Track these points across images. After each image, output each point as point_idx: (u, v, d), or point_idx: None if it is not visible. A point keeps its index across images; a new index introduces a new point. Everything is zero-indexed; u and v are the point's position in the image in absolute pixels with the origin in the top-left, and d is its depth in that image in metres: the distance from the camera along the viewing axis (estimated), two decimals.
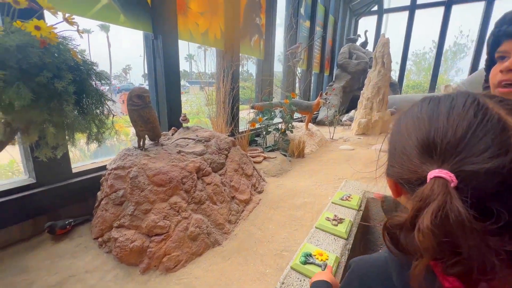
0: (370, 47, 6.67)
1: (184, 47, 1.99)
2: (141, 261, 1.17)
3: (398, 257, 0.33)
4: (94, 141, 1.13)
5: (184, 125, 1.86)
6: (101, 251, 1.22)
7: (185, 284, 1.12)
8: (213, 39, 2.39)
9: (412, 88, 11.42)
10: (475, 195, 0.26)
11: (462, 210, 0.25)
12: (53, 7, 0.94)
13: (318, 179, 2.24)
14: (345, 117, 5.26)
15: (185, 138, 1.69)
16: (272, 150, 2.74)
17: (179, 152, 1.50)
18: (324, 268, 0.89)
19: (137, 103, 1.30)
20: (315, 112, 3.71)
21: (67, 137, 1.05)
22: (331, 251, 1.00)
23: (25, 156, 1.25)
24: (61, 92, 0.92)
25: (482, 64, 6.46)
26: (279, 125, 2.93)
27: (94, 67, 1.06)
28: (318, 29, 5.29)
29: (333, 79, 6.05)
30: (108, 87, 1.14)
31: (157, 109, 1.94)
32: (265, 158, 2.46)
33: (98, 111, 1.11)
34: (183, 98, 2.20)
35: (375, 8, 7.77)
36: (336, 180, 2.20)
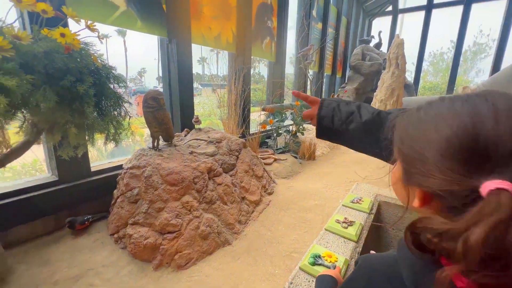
0: (384, 48, 6.54)
1: (197, 50, 2.04)
2: (154, 258, 1.21)
3: (416, 257, 0.32)
4: (112, 141, 1.19)
5: (197, 126, 1.90)
6: (117, 246, 1.27)
7: (195, 281, 1.15)
8: (225, 42, 2.43)
9: (428, 89, 11.06)
10: None
11: None
12: (77, 15, 1.00)
13: (329, 181, 2.22)
14: None
15: (197, 139, 1.73)
16: (283, 152, 2.74)
17: (191, 152, 1.54)
18: (333, 269, 0.89)
19: (152, 105, 1.35)
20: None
21: (87, 137, 1.11)
22: (340, 253, 1.00)
23: (48, 155, 1.33)
24: (82, 94, 0.97)
25: (505, 64, 6.18)
26: (290, 127, 2.93)
27: (113, 71, 1.12)
28: (331, 30, 5.25)
29: (346, 81, 5.97)
30: (124, 90, 1.20)
31: (170, 110, 2.00)
32: (275, 160, 2.46)
33: (115, 112, 1.17)
34: (196, 100, 2.25)
35: (390, 8, 7.62)
36: (347, 183, 2.18)
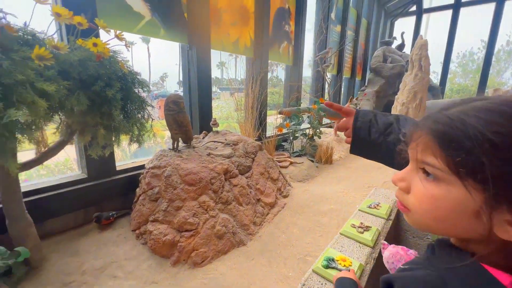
0: (407, 50, 6.30)
1: (216, 55, 2.11)
2: (172, 254, 1.26)
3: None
4: (135, 142, 1.27)
5: (214, 129, 1.96)
6: (138, 242, 1.34)
7: (210, 279, 1.18)
8: (243, 47, 2.49)
9: (456, 92, 10.44)
10: None
11: None
12: (107, 26, 1.09)
13: (346, 186, 2.18)
14: None
15: (214, 141, 1.79)
16: (299, 155, 2.74)
17: (208, 154, 1.59)
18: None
19: (173, 108, 1.42)
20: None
21: (113, 138, 1.19)
22: (355, 258, 0.99)
23: (79, 154, 1.44)
24: (110, 99, 1.05)
25: None
26: (307, 131, 2.92)
27: (138, 77, 1.19)
28: (350, 33, 5.17)
29: (366, 84, 5.82)
30: (147, 94, 1.28)
31: (190, 113, 2.08)
32: (291, 163, 2.46)
33: (139, 115, 1.25)
34: (214, 103, 2.32)
35: (413, 8, 7.35)
36: (365, 188, 2.13)
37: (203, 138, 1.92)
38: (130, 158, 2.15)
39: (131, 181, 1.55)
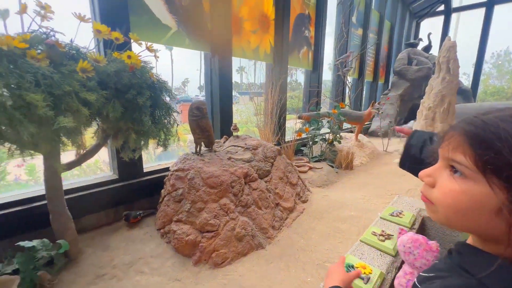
0: (435, 51, 6.02)
1: (236, 60, 2.19)
2: (194, 254, 1.32)
3: None
4: (162, 146, 1.35)
5: (234, 133, 2.02)
6: (162, 240, 1.41)
7: (230, 280, 1.22)
8: (263, 54, 2.55)
9: (491, 95, 9.72)
10: None
11: None
12: (139, 39, 1.18)
13: (367, 192, 2.13)
14: None
15: (235, 146, 1.84)
16: (319, 161, 2.71)
17: (229, 158, 1.64)
18: (367, 282, 0.88)
19: (196, 114, 1.50)
20: (366, 123, 3.53)
21: (142, 142, 1.28)
22: (375, 266, 0.98)
23: (111, 156, 1.56)
24: (141, 106, 1.14)
25: None
26: (326, 135, 2.89)
27: (166, 85, 1.28)
28: (372, 35, 5.05)
29: (389, 87, 5.64)
30: (170, 100, 1.36)
31: (211, 118, 2.16)
32: (310, 168, 2.45)
33: (166, 121, 1.33)
34: (234, 108, 2.39)
35: (441, 7, 7.02)
36: (388, 195, 2.06)
37: (224, 142, 1.98)
38: (154, 161, 2.27)
39: (156, 182, 1.64)
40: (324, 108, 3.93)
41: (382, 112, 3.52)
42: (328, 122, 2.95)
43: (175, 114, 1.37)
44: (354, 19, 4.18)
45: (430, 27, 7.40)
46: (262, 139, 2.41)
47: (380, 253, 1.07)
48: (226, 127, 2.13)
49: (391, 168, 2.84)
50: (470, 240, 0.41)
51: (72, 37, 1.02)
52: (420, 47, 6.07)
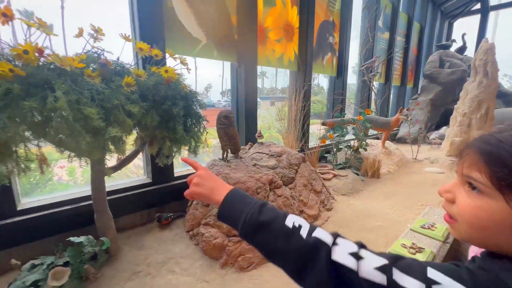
0: (470, 53, 5.66)
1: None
2: (221, 257, 1.37)
3: None
4: (192, 153, 1.43)
5: (259, 140, 2.06)
6: (191, 242, 1.49)
7: (255, 284, 1.25)
8: (287, 62, 2.59)
9: None
10: None
11: None
12: (174, 54, 1.28)
13: (395, 202, 2.06)
14: (433, 135, 4.56)
15: (259, 153, 1.89)
16: (343, 168, 2.67)
17: (254, 165, 1.69)
18: None
19: (224, 122, 1.57)
20: (393, 129, 3.41)
21: (175, 149, 1.37)
22: None
23: (146, 162, 1.68)
24: (175, 115, 1.22)
25: None
26: (351, 142, 2.83)
27: (197, 96, 1.37)
28: (400, 39, 4.88)
29: (418, 92, 5.38)
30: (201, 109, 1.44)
31: (237, 126, 2.23)
32: (335, 175, 2.42)
33: (196, 129, 1.41)
34: None
35: (477, 6, 6.58)
36: (418, 206, 1.97)
37: (249, 149, 2.03)
38: (181, 166, 2.39)
39: (186, 186, 1.72)
40: (349, 114, 3.86)
41: (411, 119, 3.37)
42: (353, 128, 2.90)
43: (204, 122, 1.45)
44: (380, 22, 4.08)
45: (464, 27, 6.97)
46: (286, 145, 2.43)
47: None
48: (251, 134, 2.19)
49: (421, 178, 2.70)
50: None
51: (115, 53, 1.14)
52: (453, 48, 5.74)
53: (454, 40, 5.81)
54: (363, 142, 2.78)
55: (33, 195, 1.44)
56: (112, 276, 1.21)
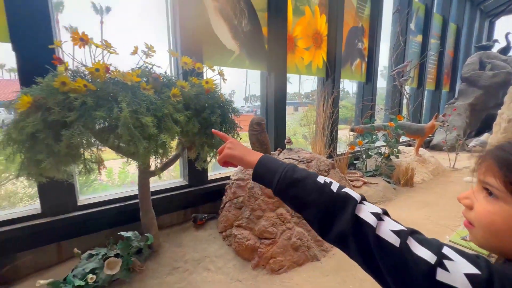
0: None
1: None
2: (253, 258, 1.42)
3: None
4: None
5: (288, 146, 2.11)
6: (224, 243, 1.56)
7: (286, 287, 1.28)
8: (316, 69, 2.61)
9: None
10: None
11: None
12: (212, 66, 1.39)
13: (431, 213, 1.97)
14: (473, 142, 4.24)
15: (289, 158, 1.93)
16: (373, 175, 2.60)
17: None
18: None
19: (256, 129, 1.64)
20: (428, 136, 3.25)
21: (212, 154, 1.46)
22: None
23: (183, 165, 1.81)
24: (213, 122, 1.32)
25: None
26: (382, 149, 2.76)
27: (232, 104, 1.46)
28: (434, 41, 4.65)
29: (455, 96, 5.05)
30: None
31: (267, 132, 2.29)
32: (365, 183, 2.38)
33: (231, 135, 1.50)
34: None
35: None
36: (457, 217, 1.87)
37: (278, 154, 2.08)
38: (212, 170, 2.49)
39: (218, 189, 1.82)
40: (378, 119, 3.74)
41: (448, 125, 3.19)
42: (384, 135, 2.82)
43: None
44: (412, 25, 3.94)
45: (508, 25, 6.43)
46: (314, 151, 2.44)
47: None
48: (280, 140, 2.24)
49: (460, 187, 2.54)
50: None
51: (161, 66, 1.27)
52: (495, 49, 5.33)
53: (496, 40, 5.40)
54: (395, 149, 2.69)
55: (83, 193, 1.62)
56: (155, 270, 1.32)
